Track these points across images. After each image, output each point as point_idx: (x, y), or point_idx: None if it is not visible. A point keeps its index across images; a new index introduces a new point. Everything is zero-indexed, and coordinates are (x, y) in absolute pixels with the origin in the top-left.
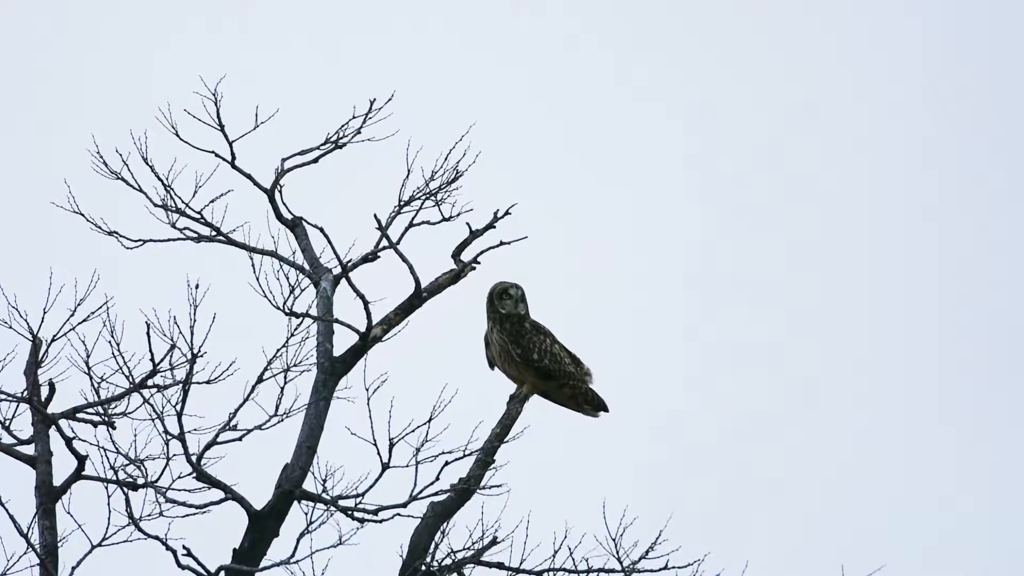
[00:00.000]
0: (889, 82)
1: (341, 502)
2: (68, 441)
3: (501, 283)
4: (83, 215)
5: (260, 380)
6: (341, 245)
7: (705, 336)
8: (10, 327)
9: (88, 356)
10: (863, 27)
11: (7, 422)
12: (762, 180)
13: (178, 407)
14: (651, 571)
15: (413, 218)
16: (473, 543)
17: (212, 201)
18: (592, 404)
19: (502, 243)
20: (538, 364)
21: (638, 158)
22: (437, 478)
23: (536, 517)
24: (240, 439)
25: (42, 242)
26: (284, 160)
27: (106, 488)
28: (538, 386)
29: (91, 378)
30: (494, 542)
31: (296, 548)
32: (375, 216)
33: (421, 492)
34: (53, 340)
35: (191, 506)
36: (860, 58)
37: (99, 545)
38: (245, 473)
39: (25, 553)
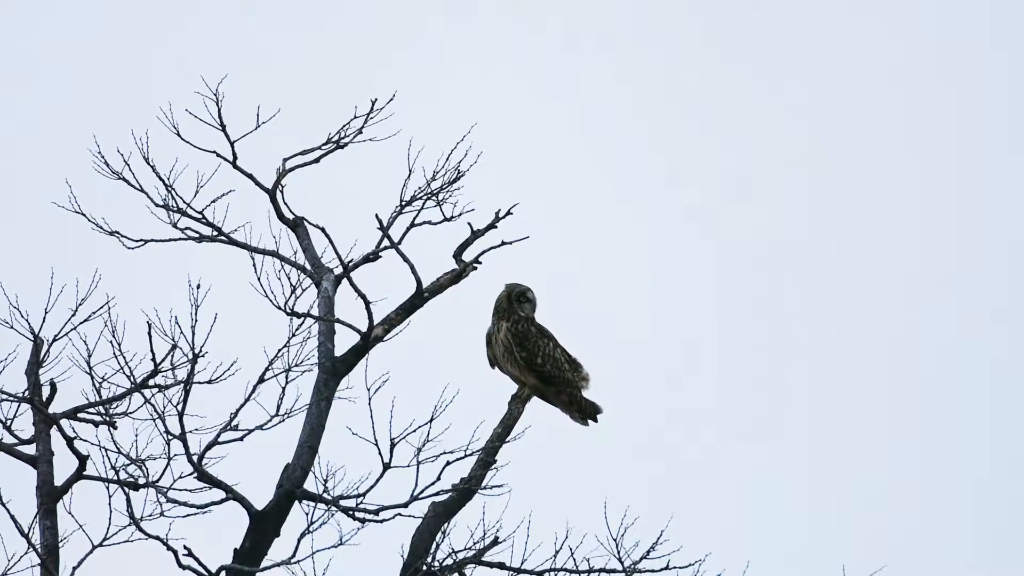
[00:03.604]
0: (889, 83)
1: (342, 502)
2: (69, 441)
3: (518, 285)
4: (84, 215)
5: (261, 380)
6: (342, 245)
7: (706, 335)
8: (11, 327)
9: (89, 356)
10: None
11: (8, 422)
12: (764, 179)
13: (179, 407)
14: (652, 571)
15: (414, 218)
16: (474, 543)
17: (213, 201)
18: (583, 413)
19: (504, 243)
20: (540, 368)
21: (638, 157)
22: (438, 478)
23: (537, 517)
24: (241, 439)
25: (43, 242)
26: (285, 160)
27: (107, 488)
28: (538, 388)
29: (92, 378)
30: (495, 542)
31: (297, 548)
32: (376, 216)
33: (422, 492)
34: (54, 340)
35: (192, 506)
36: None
37: (100, 545)
38: (246, 473)
39: (26, 553)
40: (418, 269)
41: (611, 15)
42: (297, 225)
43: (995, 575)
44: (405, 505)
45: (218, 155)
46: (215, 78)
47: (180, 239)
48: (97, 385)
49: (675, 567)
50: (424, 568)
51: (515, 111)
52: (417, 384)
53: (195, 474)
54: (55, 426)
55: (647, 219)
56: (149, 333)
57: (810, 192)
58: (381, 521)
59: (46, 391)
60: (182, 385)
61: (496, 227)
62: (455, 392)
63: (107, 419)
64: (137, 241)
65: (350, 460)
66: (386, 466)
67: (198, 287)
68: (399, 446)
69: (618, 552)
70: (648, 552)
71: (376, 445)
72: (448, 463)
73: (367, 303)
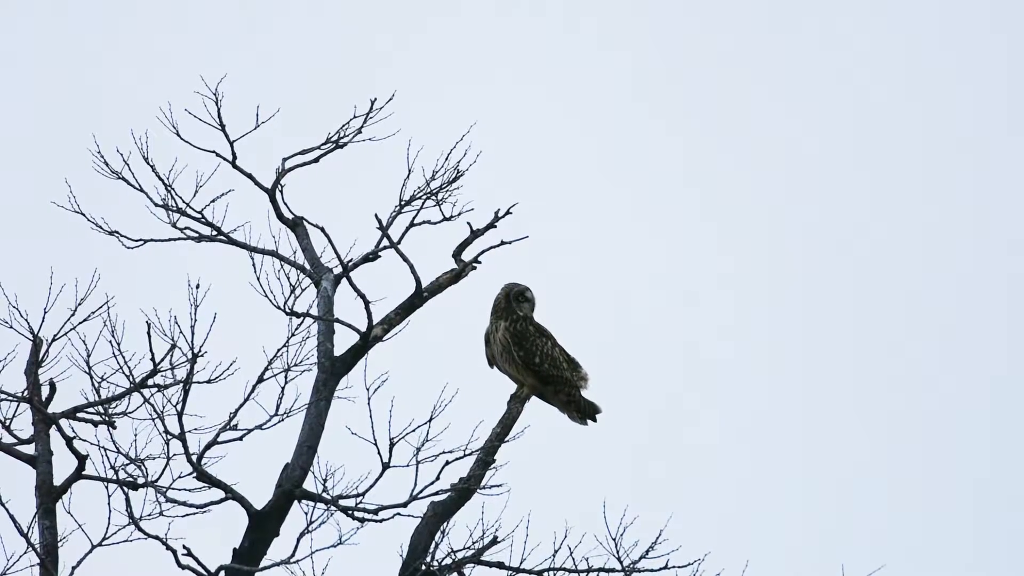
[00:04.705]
0: (891, 84)
1: (341, 502)
2: (68, 441)
3: (517, 285)
4: (84, 215)
5: (261, 380)
6: (342, 245)
7: (705, 335)
8: (11, 327)
9: (88, 356)
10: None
11: (7, 422)
12: (765, 181)
13: (178, 407)
14: (651, 571)
15: (414, 218)
16: (473, 543)
17: (213, 201)
18: (582, 412)
19: (503, 243)
20: (538, 368)
21: (639, 157)
22: (437, 478)
23: (536, 517)
24: (240, 439)
25: (43, 242)
26: (285, 160)
27: (106, 488)
28: (537, 387)
29: (91, 378)
30: (494, 542)
31: (296, 548)
32: (376, 216)
33: (421, 492)
34: (54, 340)
35: (191, 506)
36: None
37: (99, 545)
38: (245, 473)
39: (25, 553)
40: (417, 269)
41: (611, 15)
42: (296, 225)
43: None
44: (404, 505)
45: (217, 155)
46: (215, 78)
47: (179, 239)
48: (96, 385)
49: (674, 567)
50: (423, 568)
51: (515, 111)
52: (416, 384)
53: (194, 474)
54: (54, 426)
55: (647, 218)
56: (148, 333)
57: (811, 192)
58: (380, 521)
59: (45, 391)
60: (181, 385)
61: (495, 227)
62: (454, 392)
63: (106, 419)
64: (136, 241)
65: (349, 460)
66: (385, 466)
67: (197, 287)
68: (398, 446)
69: (617, 551)
70: (647, 552)
71: (375, 445)
72: (447, 463)
73: (366, 303)
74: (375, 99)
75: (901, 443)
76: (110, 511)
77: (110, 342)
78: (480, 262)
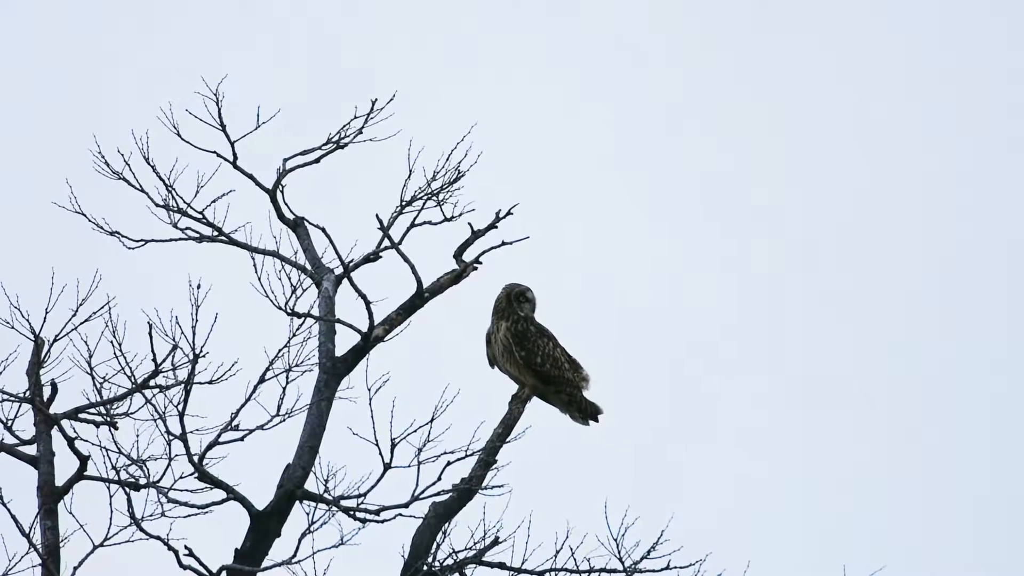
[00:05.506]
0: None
1: (343, 502)
2: (70, 441)
3: (518, 285)
4: (85, 215)
5: (262, 380)
6: (343, 245)
7: (706, 336)
8: (12, 327)
9: (90, 356)
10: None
11: (9, 422)
12: (767, 182)
13: (180, 407)
14: (653, 571)
15: (415, 218)
16: (475, 543)
17: (214, 201)
18: (584, 413)
19: (504, 243)
20: (539, 368)
21: (640, 157)
22: (439, 478)
23: (538, 517)
24: (242, 439)
25: (44, 242)
26: (286, 160)
27: (108, 488)
28: (538, 388)
29: (93, 378)
30: (496, 542)
31: (298, 548)
32: (377, 216)
33: (423, 492)
34: (55, 340)
35: (193, 506)
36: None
37: (101, 545)
38: (247, 473)
39: (27, 553)
40: (418, 269)
41: (611, 15)
42: (297, 225)
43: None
44: (406, 505)
45: (218, 155)
46: (215, 78)
47: (180, 239)
48: (98, 385)
49: (676, 567)
50: (425, 568)
51: (515, 111)
52: (418, 384)
53: (196, 474)
54: (56, 426)
55: (648, 219)
56: (150, 333)
57: (812, 193)
58: (382, 521)
59: (47, 391)
60: (183, 385)
61: (496, 227)
62: (455, 392)
63: (108, 419)
64: (137, 241)
65: (351, 460)
66: (387, 466)
67: (198, 287)
68: (400, 446)
69: (619, 552)
70: (649, 552)
71: (377, 445)
72: (449, 463)
73: (368, 303)
74: (376, 99)
75: (901, 443)
76: (112, 511)
77: (111, 343)
78: (481, 262)
